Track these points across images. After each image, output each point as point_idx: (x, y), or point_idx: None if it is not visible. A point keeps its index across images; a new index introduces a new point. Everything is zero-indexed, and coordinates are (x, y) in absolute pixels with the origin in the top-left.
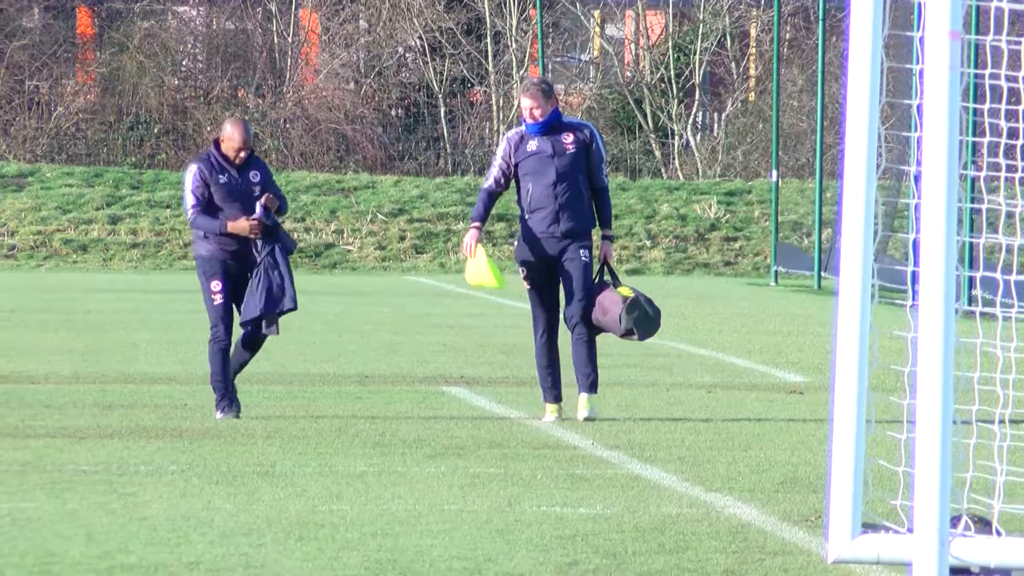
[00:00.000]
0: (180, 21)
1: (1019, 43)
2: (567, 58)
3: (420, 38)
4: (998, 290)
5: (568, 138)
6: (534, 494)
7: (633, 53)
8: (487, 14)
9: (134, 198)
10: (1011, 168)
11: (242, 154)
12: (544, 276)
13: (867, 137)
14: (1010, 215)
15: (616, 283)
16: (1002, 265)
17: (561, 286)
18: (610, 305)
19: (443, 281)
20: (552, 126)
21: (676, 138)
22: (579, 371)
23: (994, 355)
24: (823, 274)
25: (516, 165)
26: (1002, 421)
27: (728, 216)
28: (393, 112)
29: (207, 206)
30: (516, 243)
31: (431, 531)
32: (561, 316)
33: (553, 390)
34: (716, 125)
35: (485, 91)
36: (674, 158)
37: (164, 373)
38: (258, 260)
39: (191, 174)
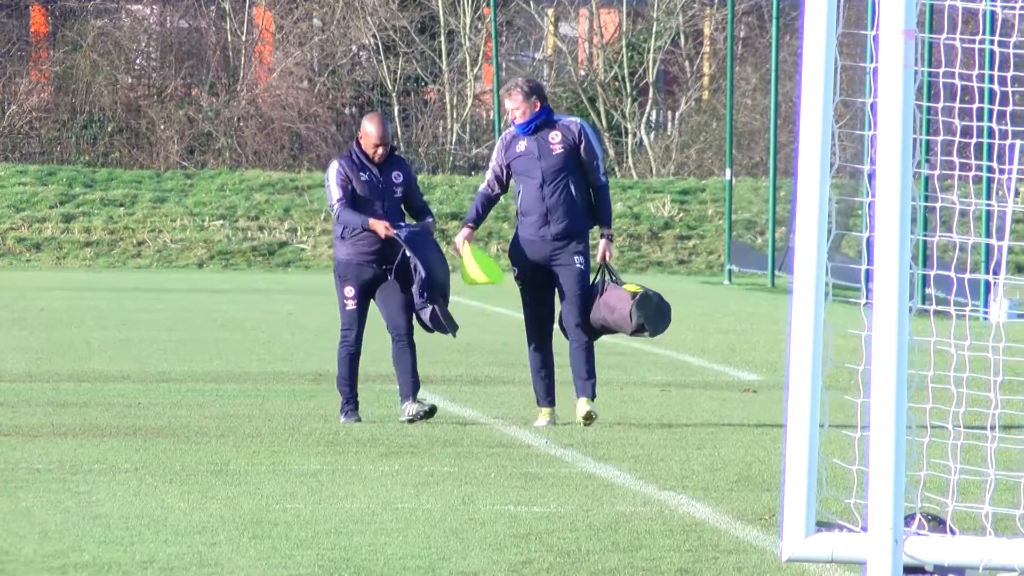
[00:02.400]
0: (134, 19)
1: (972, 42)
2: (521, 56)
3: (374, 36)
4: (952, 288)
5: (555, 138)
6: (488, 493)
7: (587, 51)
8: (441, 12)
9: (87, 196)
10: (964, 166)
11: (380, 150)
12: (536, 278)
13: (821, 136)
14: (963, 213)
15: (618, 282)
16: (956, 263)
17: (556, 292)
18: (617, 303)
19: None
20: (538, 125)
21: (630, 137)
22: (577, 377)
23: (948, 353)
24: (777, 273)
25: (508, 166)
26: (956, 420)
27: (682, 215)
28: (347, 111)
29: (352, 200)
30: (510, 243)
31: (385, 529)
32: (557, 321)
33: (547, 394)
34: (670, 124)
35: (439, 89)
36: (628, 157)
37: (118, 372)
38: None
39: (334, 169)
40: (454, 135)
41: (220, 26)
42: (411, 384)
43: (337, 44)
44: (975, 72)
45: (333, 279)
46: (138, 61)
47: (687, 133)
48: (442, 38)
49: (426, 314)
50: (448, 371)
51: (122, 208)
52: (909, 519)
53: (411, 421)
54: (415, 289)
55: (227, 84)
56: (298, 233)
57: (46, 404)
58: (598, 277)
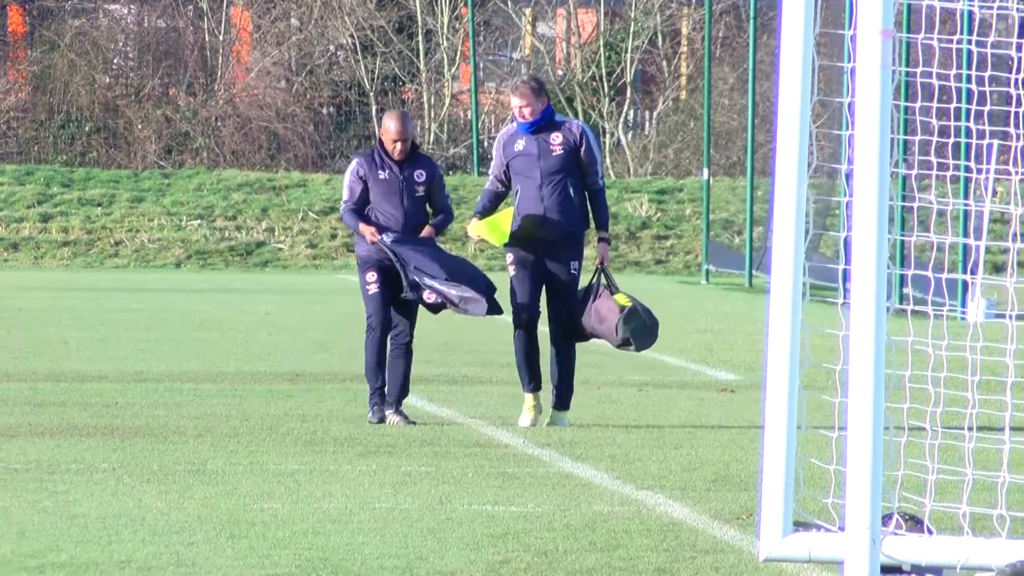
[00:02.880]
0: (111, 19)
1: (950, 41)
2: (498, 56)
3: (351, 36)
4: (929, 288)
5: (556, 139)
6: (465, 492)
7: (564, 51)
8: (418, 12)
9: (65, 196)
10: (942, 166)
11: (399, 146)
12: (529, 270)
13: (798, 135)
14: (941, 213)
15: (613, 289)
16: (933, 263)
17: (545, 294)
18: (607, 314)
19: None
20: (541, 126)
21: (607, 136)
22: (554, 386)
23: (925, 353)
24: (754, 272)
25: (507, 165)
26: (933, 420)
27: (659, 214)
28: (324, 110)
29: (359, 202)
30: (508, 236)
31: (362, 529)
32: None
33: (531, 381)
34: (647, 123)
35: (416, 89)
36: (605, 156)
37: (95, 371)
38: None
39: (350, 168)
40: (432, 135)
41: (198, 26)
42: (398, 392)
43: (315, 44)
44: (953, 72)
45: (358, 275)
46: (116, 61)
47: (665, 133)
48: (420, 38)
49: (430, 298)
50: (426, 371)
51: (100, 208)
52: (886, 519)
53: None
54: (404, 285)
55: (205, 84)
56: (276, 233)
57: (23, 404)
58: (594, 279)
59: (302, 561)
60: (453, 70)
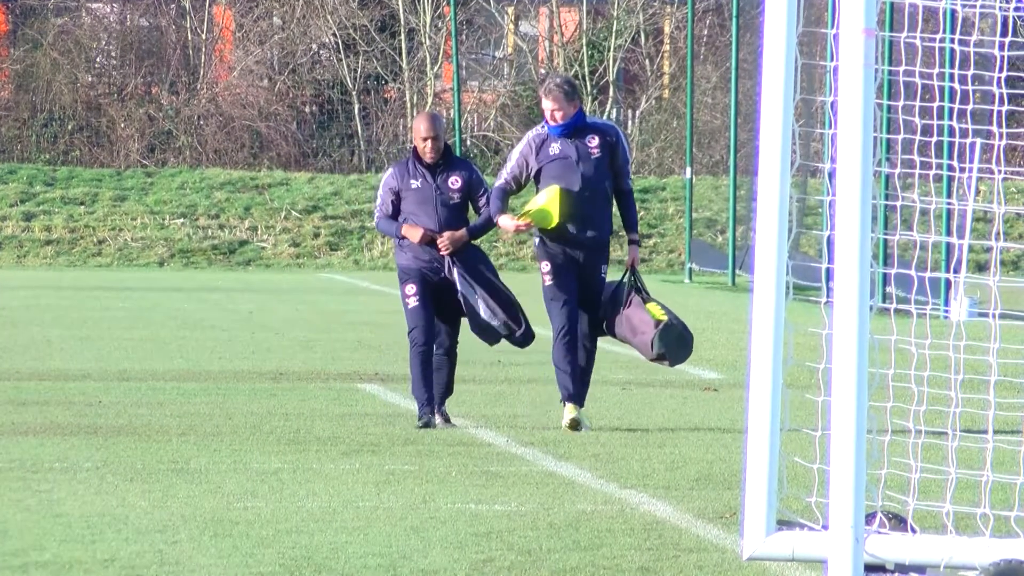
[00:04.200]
0: (94, 18)
1: (933, 40)
2: (481, 55)
3: (334, 35)
4: (912, 287)
5: (593, 141)
6: (449, 491)
7: (547, 50)
8: (401, 11)
9: (48, 195)
10: (925, 165)
11: (429, 144)
12: (567, 276)
13: (781, 134)
14: (924, 212)
15: (645, 296)
16: (916, 262)
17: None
18: (640, 325)
19: (357, 278)
20: (576, 128)
21: None
22: (561, 379)
23: (908, 352)
24: (737, 271)
25: (539, 170)
26: (916, 419)
27: (642, 213)
28: (307, 109)
29: (392, 211)
30: (537, 243)
31: (346, 528)
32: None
33: (572, 388)
34: (630, 122)
35: (399, 88)
36: None
37: (78, 370)
38: (455, 282)
39: (384, 178)
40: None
41: (180, 24)
42: (442, 393)
43: (297, 43)
44: (935, 71)
45: (399, 287)
46: (98, 59)
47: (647, 131)
48: (402, 36)
49: (494, 321)
50: (407, 369)
51: (83, 206)
52: (870, 518)
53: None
54: (480, 319)
55: (187, 82)
56: (259, 232)
57: (6, 403)
58: (624, 279)
59: (285, 560)
60: (436, 69)
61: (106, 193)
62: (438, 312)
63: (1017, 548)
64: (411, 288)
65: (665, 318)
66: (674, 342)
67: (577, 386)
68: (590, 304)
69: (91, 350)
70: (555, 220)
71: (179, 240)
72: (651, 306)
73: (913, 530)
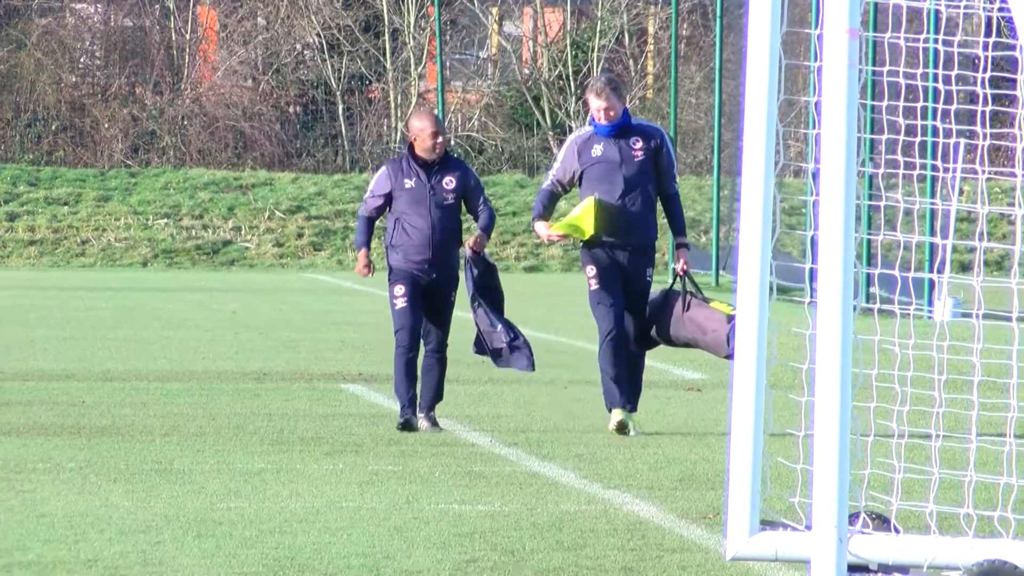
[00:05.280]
0: (78, 18)
1: (917, 40)
2: (465, 55)
3: (318, 35)
4: (896, 287)
5: (637, 144)
6: (432, 491)
7: (531, 50)
8: (385, 11)
9: (32, 195)
10: (909, 165)
11: (439, 139)
12: (612, 280)
13: (765, 134)
14: (908, 212)
15: (703, 298)
16: (900, 262)
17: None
18: (709, 323)
19: (341, 278)
20: (622, 129)
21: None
22: (607, 384)
23: (892, 352)
24: (721, 272)
25: (581, 172)
26: (900, 419)
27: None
28: (291, 109)
29: (376, 212)
30: (582, 247)
31: (329, 528)
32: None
33: (618, 395)
34: None
35: (383, 88)
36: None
37: (62, 370)
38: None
39: (378, 175)
40: (398, 133)
41: (164, 25)
42: (431, 396)
43: (281, 43)
44: (919, 71)
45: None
46: (82, 60)
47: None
48: (386, 37)
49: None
50: (392, 370)
51: (66, 207)
52: (853, 518)
53: (406, 429)
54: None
55: (171, 83)
56: (242, 232)
57: None
58: (674, 285)
59: (269, 560)
60: (420, 69)
61: (90, 193)
62: (428, 314)
63: (1000, 548)
64: (400, 289)
65: (735, 312)
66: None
67: (623, 391)
68: (637, 309)
69: (74, 350)
70: (588, 234)
71: (163, 240)
72: (716, 304)
73: (896, 530)
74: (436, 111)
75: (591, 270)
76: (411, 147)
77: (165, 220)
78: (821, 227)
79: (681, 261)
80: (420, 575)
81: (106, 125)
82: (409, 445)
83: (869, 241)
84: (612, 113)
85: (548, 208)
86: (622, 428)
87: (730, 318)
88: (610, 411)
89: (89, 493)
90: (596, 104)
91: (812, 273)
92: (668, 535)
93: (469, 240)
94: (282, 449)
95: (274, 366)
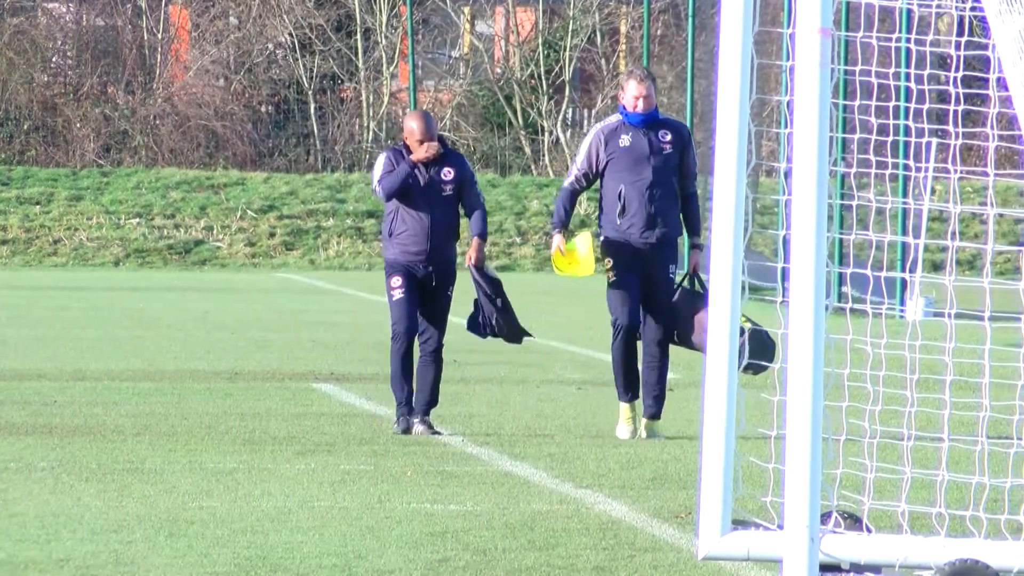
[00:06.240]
0: (50, 18)
1: (889, 40)
2: (437, 55)
3: (290, 35)
4: (868, 287)
5: (667, 137)
6: (404, 491)
7: (503, 50)
8: (357, 11)
9: (3, 195)
10: (881, 164)
11: (424, 147)
12: (631, 274)
13: (738, 134)
14: (880, 212)
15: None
16: (872, 262)
17: (645, 299)
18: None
19: (313, 278)
20: (652, 121)
21: (546, 135)
22: (647, 394)
23: (864, 352)
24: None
25: (607, 162)
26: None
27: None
28: (263, 109)
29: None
30: (602, 240)
31: (301, 528)
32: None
33: (628, 391)
34: (586, 122)
35: (355, 87)
36: (544, 155)
37: (33, 370)
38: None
39: (381, 158)
40: (370, 133)
41: (136, 24)
42: (427, 401)
43: (253, 42)
44: (891, 70)
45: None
46: (54, 59)
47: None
48: (358, 36)
49: (490, 320)
50: (364, 369)
51: (38, 206)
52: (825, 517)
53: (405, 434)
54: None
55: (143, 82)
56: (214, 231)
57: None
58: (684, 283)
59: (240, 560)
60: (392, 68)
61: (62, 193)
62: (425, 313)
63: (972, 547)
64: (396, 280)
65: (748, 324)
66: (758, 349)
67: (631, 386)
68: (659, 305)
69: (46, 350)
70: (589, 271)
71: (135, 240)
72: None
73: (868, 529)
74: (405, 111)
75: (610, 262)
76: (405, 144)
77: (137, 220)
78: (793, 226)
79: (692, 262)
80: (392, 574)
81: (78, 125)
82: (381, 445)
83: (841, 240)
84: (644, 103)
85: (570, 211)
86: (632, 436)
87: (741, 330)
88: (621, 404)
89: (61, 493)
90: (633, 91)
91: (784, 272)
92: (640, 534)
93: (468, 254)
94: (254, 448)
95: (246, 366)
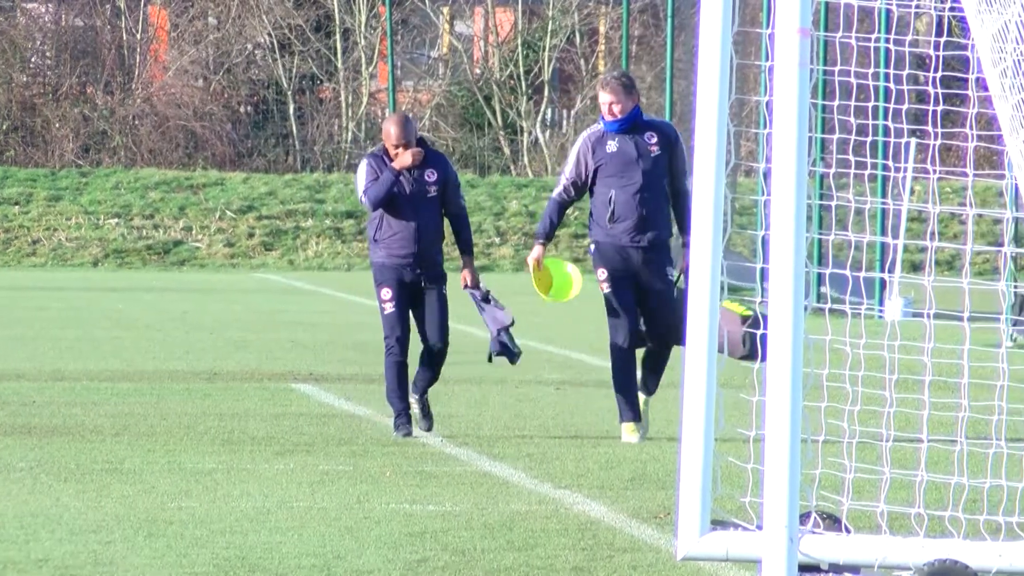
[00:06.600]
0: (29, 18)
1: (868, 40)
2: (416, 55)
3: (269, 35)
4: (847, 287)
5: (653, 139)
6: (383, 491)
7: (482, 50)
8: (336, 11)
9: None
10: (860, 165)
11: (399, 151)
12: (626, 284)
13: (717, 134)
14: (859, 212)
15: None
16: (851, 262)
17: (644, 303)
18: (725, 324)
19: (292, 278)
20: (634, 124)
21: (525, 135)
22: (643, 377)
23: (843, 352)
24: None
25: (595, 169)
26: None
27: (577, 213)
28: (242, 109)
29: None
30: (593, 250)
31: (280, 528)
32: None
33: (631, 408)
34: (565, 122)
35: (334, 88)
36: (523, 155)
37: (12, 370)
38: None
39: (363, 166)
40: (349, 133)
41: (115, 24)
42: (428, 379)
43: (232, 42)
44: (870, 70)
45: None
46: (33, 59)
47: (582, 131)
48: (337, 36)
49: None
50: (343, 369)
51: (17, 207)
52: (804, 517)
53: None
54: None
55: (122, 82)
56: (193, 232)
57: None
58: (677, 282)
59: (219, 560)
60: (371, 69)
61: (40, 193)
62: (423, 315)
63: (951, 548)
64: (387, 292)
65: (750, 313)
66: (762, 338)
67: (633, 406)
68: (660, 307)
69: (25, 350)
70: (562, 296)
71: (113, 240)
72: (728, 303)
73: (847, 530)
74: (384, 111)
75: (602, 273)
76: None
77: (116, 220)
78: (772, 227)
79: (685, 260)
80: (371, 575)
81: (57, 125)
82: (360, 445)
83: (820, 240)
84: (618, 108)
85: (556, 222)
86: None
87: (744, 318)
88: (621, 424)
89: (40, 493)
90: (603, 99)
91: (763, 273)
92: (619, 535)
93: (463, 275)
94: (233, 449)
95: (225, 366)
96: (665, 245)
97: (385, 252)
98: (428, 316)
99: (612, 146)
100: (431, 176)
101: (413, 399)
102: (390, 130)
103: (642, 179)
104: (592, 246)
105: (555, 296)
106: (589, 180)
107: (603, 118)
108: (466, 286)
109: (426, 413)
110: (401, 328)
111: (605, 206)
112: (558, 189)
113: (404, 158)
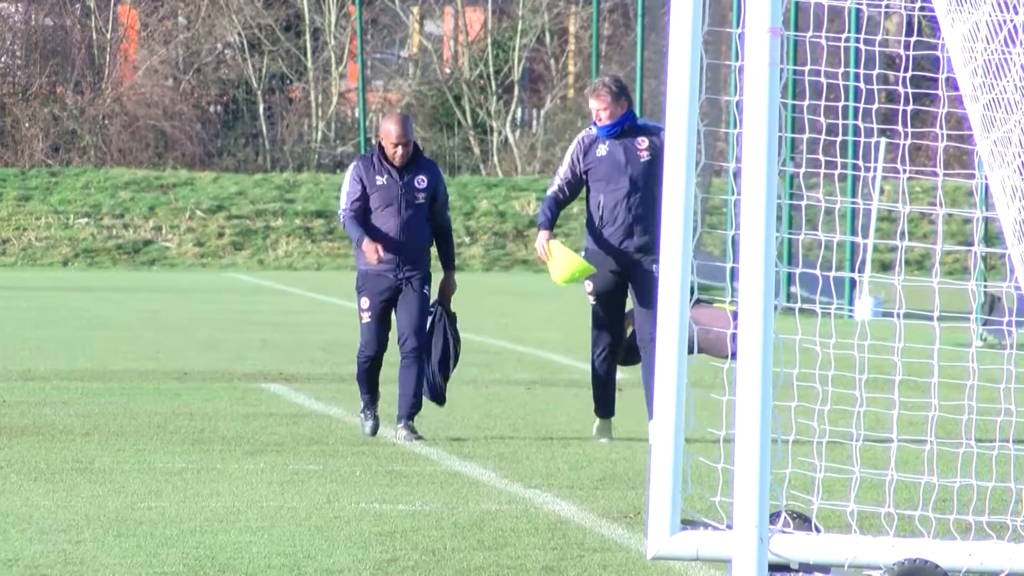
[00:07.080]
0: None
1: (838, 39)
2: (386, 55)
3: (239, 34)
4: (817, 287)
5: (642, 143)
6: (353, 491)
7: (452, 50)
8: (306, 11)
9: None
10: (830, 165)
11: (399, 150)
12: (612, 291)
13: (687, 134)
14: (829, 212)
15: (706, 296)
16: (821, 262)
17: (631, 303)
18: (715, 321)
19: (262, 278)
20: (624, 129)
21: (495, 135)
22: (649, 395)
23: (813, 351)
24: None
25: (586, 172)
26: (821, 418)
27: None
28: (212, 109)
29: (360, 207)
30: (583, 255)
31: (250, 528)
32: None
33: (605, 405)
34: (535, 122)
35: (304, 87)
36: (493, 155)
37: None
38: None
39: (349, 172)
40: (319, 133)
41: (85, 24)
42: (409, 406)
43: (202, 42)
44: (840, 70)
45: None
46: (2, 59)
47: (552, 131)
48: (307, 36)
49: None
50: (313, 369)
51: None
52: (774, 517)
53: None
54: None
55: (92, 82)
56: (163, 231)
57: None
58: None
59: (189, 560)
60: (341, 68)
61: (10, 193)
62: (402, 315)
63: (921, 547)
64: (365, 302)
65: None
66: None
67: (606, 406)
68: (649, 308)
69: None
70: (584, 273)
71: (83, 240)
72: (722, 305)
73: (817, 529)
74: (354, 111)
75: (588, 286)
76: (381, 145)
77: (86, 219)
78: (742, 226)
79: None
80: (341, 574)
81: (27, 124)
82: (330, 445)
83: (790, 240)
84: (605, 114)
85: (554, 213)
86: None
87: (734, 315)
88: (597, 417)
89: (9, 492)
90: (593, 105)
91: (733, 272)
92: (589, 534)
93: (443, 288)
94: (203, 448)
95: (195, 366)
96: (654, 247)
97: (376, 263)
98: (405, 312)
99: (602, 151)
100: (421, 183)
101: (399, 426)
102: (390, 129)
103: (629, 184)
104: (583, 252)
105: (574, 277)
106: (581, 181)
107: (594, 123)
108: (438, 301)
109: (416, 438)
110: (377, 342)
111: (595, 211)
112: (552, 188)
113: (370, 252)
